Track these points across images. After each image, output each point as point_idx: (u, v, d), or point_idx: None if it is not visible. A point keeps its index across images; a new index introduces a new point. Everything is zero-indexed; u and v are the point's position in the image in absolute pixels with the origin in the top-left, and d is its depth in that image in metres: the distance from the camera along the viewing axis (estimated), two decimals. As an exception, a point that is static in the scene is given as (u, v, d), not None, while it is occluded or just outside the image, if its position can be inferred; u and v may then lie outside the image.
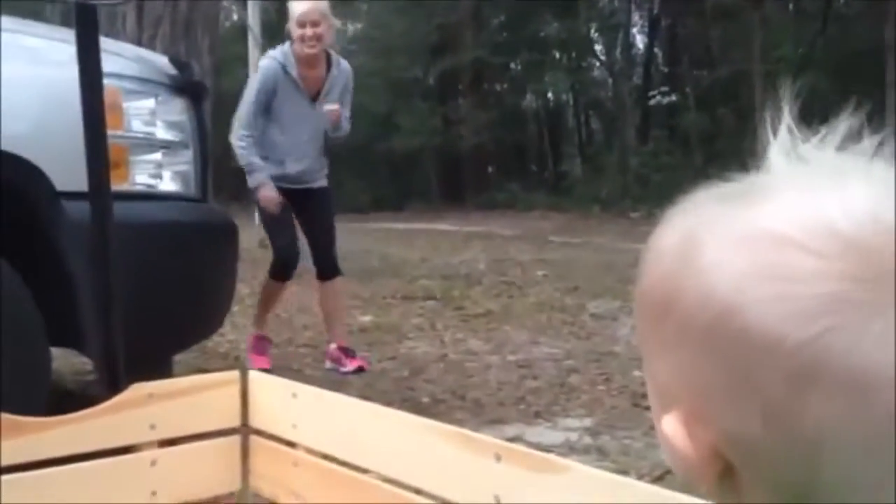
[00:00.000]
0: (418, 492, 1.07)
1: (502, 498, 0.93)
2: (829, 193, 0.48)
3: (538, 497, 0.89)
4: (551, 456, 0.90)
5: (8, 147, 2.42)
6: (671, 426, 0.52)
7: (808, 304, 0.46)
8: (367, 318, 5.91)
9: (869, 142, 0.51)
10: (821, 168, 0.50)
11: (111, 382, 1.26)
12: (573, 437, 3.30)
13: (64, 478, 1.17)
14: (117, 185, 2.59)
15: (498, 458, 0.93)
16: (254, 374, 1.32)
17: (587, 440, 3.26)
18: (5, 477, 1.09)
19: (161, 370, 2.79)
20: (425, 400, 3.81)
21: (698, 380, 0.50)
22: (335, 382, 3.96)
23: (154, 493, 1.23)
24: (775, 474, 0.49)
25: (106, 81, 2.60)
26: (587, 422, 3.50)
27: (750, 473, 0.50)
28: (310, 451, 1.23)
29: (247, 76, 14.84)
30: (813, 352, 0.46)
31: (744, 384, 0.48)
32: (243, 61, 15.13)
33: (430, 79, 24.60)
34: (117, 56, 2.72)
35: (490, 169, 24.77)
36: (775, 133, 0.52)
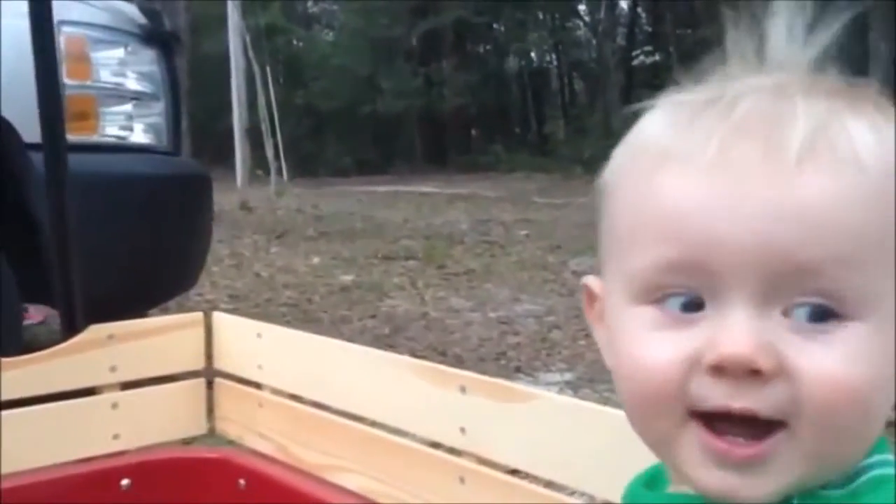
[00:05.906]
0: (397, 431, 1.05)
1: (469, 429, 0.91)
2: None
3: (505, 426, 0.87)
4: (516, 385, 0.88)
5: (-26, 99, 2.36)
6: None
7: None
8: (348, 278, 5.88)
9: None
10: None
11: (69, 326, 1.23)
12: (553, 390, 3.30)
13: (24, 420, 1.14)
14: (86, 137, 2.56)
15: (463, 389, 0.91)
16: (218, 315, 1.29)
17: (567, 393, 3.26)
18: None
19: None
20: (406, 356, 3.79)
21: None
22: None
23: (117, 437, 1.20)
24: None
25: (73, 30, 2.56)
26: (568, 376, 3.50)
27: None
28: (276, 392, 1.20)
29: (226, 38, 14.68)
30: None
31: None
32: (222, 22, 14.96)
33: (412, 39, 24.38)
34: (85, 4, 2.65)
35: (473, 131, 24.68)
36: None
